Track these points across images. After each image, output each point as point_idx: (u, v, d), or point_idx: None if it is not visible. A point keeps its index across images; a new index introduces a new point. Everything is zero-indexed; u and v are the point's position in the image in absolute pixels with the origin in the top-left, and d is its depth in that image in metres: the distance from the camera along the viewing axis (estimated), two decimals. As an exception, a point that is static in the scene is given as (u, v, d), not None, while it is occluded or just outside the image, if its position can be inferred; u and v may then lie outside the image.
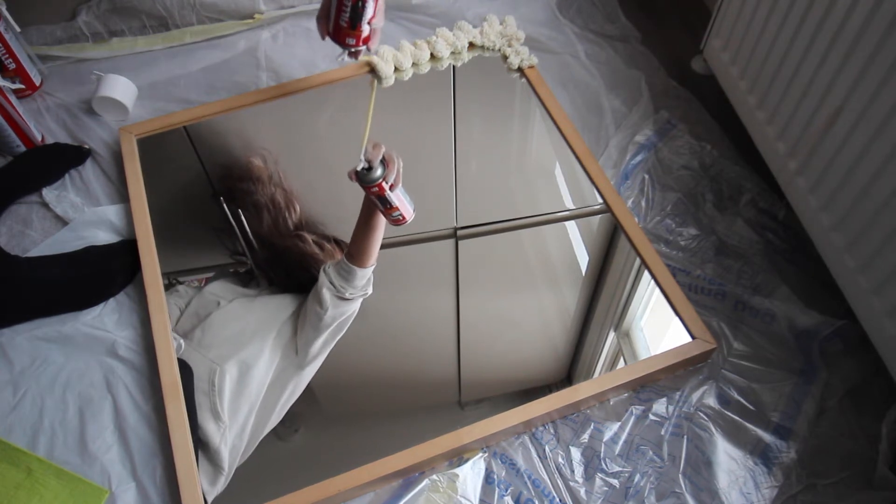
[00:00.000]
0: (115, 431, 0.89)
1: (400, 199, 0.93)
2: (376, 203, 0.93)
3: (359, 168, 0.88)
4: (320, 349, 0.95)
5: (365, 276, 0.96)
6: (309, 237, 1.03)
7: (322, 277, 0.95)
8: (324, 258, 1.01)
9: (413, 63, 1.23)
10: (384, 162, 0.89)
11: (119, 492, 0.85)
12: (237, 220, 1.05)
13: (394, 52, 1.22)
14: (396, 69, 1.22)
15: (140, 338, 0.97)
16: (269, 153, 1.13)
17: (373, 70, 1.20)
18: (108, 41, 1.31)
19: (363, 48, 0.93)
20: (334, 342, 0.96)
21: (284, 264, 1.04)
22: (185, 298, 1.00)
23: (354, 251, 0.96)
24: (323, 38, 0.92)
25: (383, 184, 0.89)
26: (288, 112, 1.21)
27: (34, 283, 0.98)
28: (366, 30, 0.90)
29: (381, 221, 0.95)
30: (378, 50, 1.18)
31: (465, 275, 1.08)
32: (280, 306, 0.98)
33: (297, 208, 1.07)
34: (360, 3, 0.87)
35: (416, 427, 0.92)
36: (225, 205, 1.06)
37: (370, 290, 0.97)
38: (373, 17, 0.89)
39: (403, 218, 0.95)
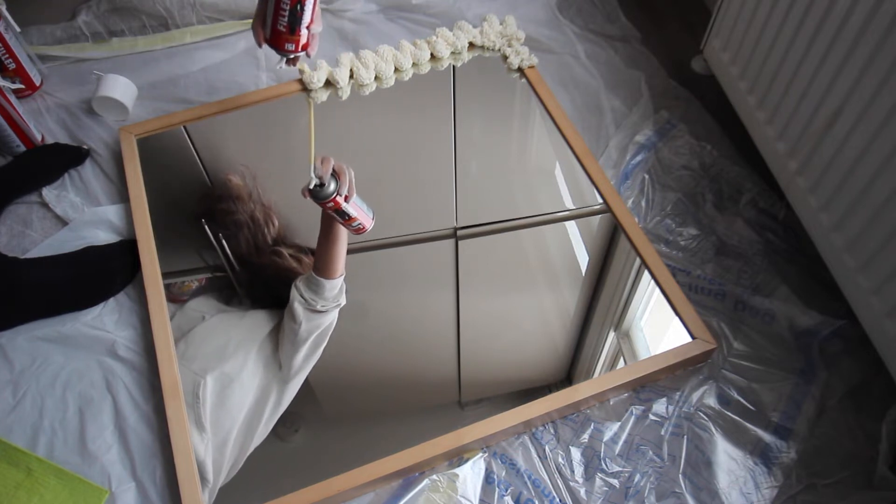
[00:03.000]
0: (115, 431, 0.89)
1: (357, 208, 0.92)
2: (334, 216, 0.92)
3: (311, 186, 0.87)
4: (303, 363, 0.95)
5: (335, 287, 0.95)
6: (286, 252, 1.03)
7: (293, 292, 0.95)
8: (303, 271, 1.01)
9: (413, 63, 1.23)
10: (335, 175, 0.89)
11: (119, 492, 0.85)
12: (219, 241, 1.04)
13: (394, 52, 1.22)
14: (396, 69, 1.22)
15: (140, 338, 0.97)
16: (247, 168, 1.12)
17: (305, 88, 1.18)
18: (108, 41, 1.31)
19: (302, 54, 0.91)
20: (317, 354, 0.96)
21: (265, 281, 1.04)
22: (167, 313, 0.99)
23: (320, 264, 0.95)
24: (260, 46, 0.90)
25: (338, 198, 0.89)
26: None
27: (34, 285, 0.97)
28: (304, 34, 0.89)
29: (343, 231, 0.95)
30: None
31: (465, 275, 1.08)
32: (262, 321, 0.98)
33: (276, 222, 1.06)
34: (298, 6, 0.85)
35: (416, 427, 0.92)
36: (206, 227, 1.05)
37: (343, 300, 0.97)
38: (311, 21, 0.88)
39: (363, 227, 0.94)
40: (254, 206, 1.07)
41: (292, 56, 0.91)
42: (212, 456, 0.87)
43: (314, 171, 0.87)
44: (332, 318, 0.96)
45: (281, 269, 1.02)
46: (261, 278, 1.04)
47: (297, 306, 0.94)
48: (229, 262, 1.04)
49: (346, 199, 0.90)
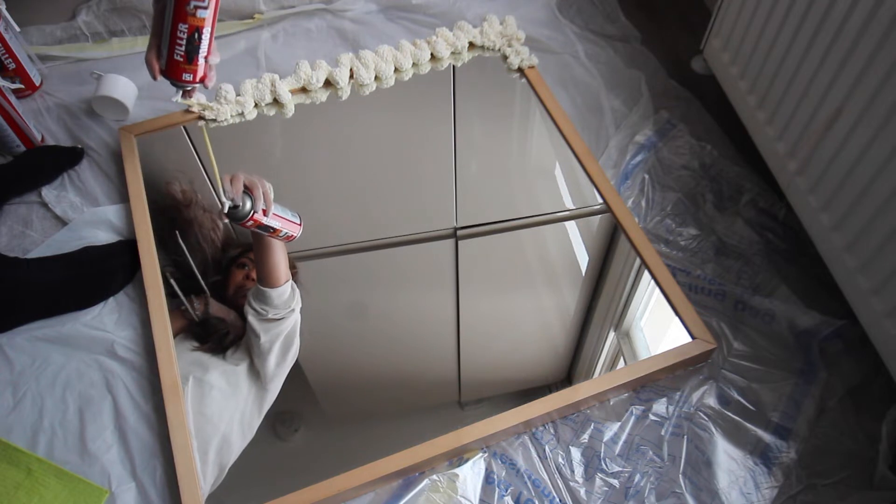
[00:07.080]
0: (115, 431, 0.89)
1: (280, 219, 0.90)
2: (258, 232, 0.91)
3: (225, 210, 0.85)
4: (276, 369, 0.95)
5: (283, 294, 0.94)
6: (239, 271, 1.03)
7: (246, 307, 0.95)
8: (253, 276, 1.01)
9: (413, 63, 1.23)
10: (248, 191, 0.86)
11: (119, 492, 0.85)
12: (182, 252, 1.02)
13: (394, 52, 1.22)
14: (396, 69, 1.22)
15: (140, 338, 0.97)
16: (184, 173, 1.11)
17: (200, 117, 1.16)
18: (108, 41, 1.31)
19: (199, 86, 0.88)
20: (289, 357, 0.95)
21: (227, 291, 1.03)
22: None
23: (262, 275, 0.95)
24: (155, 79, 0.87)
25: (256, 215, 0.87)
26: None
27: (34, 285, 0.97)
28: (202, 65, 0.86)
29: (275, 241, 0.94)
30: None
31: (465, 275, 1.08)
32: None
33: (220, 225, 1.06)
34: (196, 35, 0.83)
35: (416, 427, 0.92)
36: (181, 240, 1.03)
37: (296, 304, 0.96)
38: (208, 52, 0.85)
39: (292, 235, 0.93)
40: (199, 211, 1.07)
41: (189, 87, 0.88)
42: (198, 463, 0.87)
43: (224, 195, 0.84)
44: (291, 322, 0.95)
45: (238, 283, 1.02)
46: (224, 289, 1.03)
47: (252, 320, 0.94)
48: (195, 276, 1.03)
49: (265, 213, 0.88)
